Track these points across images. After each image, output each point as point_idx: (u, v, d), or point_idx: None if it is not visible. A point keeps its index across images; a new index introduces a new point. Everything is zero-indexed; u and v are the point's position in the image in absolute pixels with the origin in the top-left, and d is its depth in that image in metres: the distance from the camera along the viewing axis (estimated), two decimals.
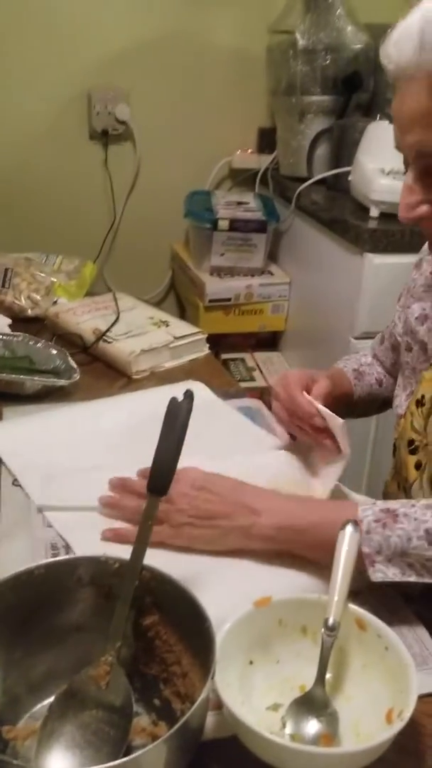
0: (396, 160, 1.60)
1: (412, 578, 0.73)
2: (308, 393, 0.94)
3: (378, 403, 1.15)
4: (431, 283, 0.97)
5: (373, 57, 1.88)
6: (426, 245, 0.90)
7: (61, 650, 0.64)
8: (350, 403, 1.10)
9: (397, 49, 0.73)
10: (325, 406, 0.92)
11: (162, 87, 2.02)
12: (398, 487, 0.97)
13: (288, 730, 0.61)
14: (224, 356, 2.05)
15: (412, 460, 0.92)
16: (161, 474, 0.66)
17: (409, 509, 0.74)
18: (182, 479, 0.81)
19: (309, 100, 1.88)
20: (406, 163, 0.80)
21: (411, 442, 0.93)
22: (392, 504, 0.75)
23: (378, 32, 1.98)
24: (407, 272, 1.08)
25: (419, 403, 0.92)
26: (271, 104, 2.09)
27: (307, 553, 0.78)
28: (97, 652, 0.62)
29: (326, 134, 1.90)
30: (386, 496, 1.02)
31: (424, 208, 0.79)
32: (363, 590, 0.75)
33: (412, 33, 0.71)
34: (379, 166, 1.59)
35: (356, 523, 0.71)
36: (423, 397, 0.91)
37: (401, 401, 0.99)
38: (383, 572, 0.73)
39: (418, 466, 0.92)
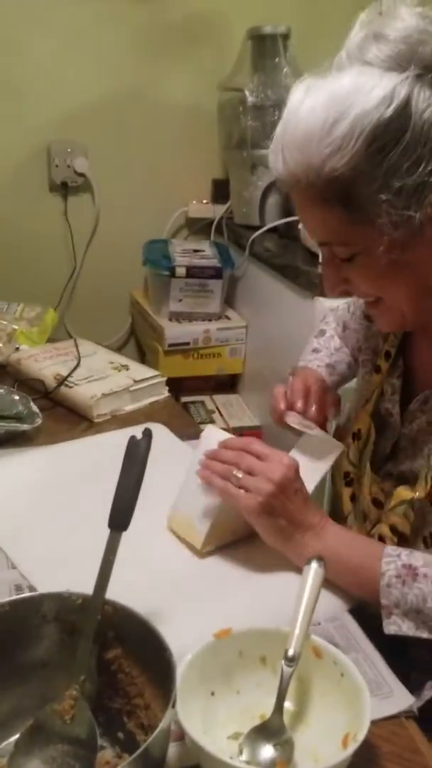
0: None
1: (425, 635, 0.76)
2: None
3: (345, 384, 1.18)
4: (365, 314, 1.03)
5: None
6: None
7: (27, 687, 0.65)
8: None
9: (272, 162, 0.78)
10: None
11: (119, 141, 2.10)
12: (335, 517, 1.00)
13: (244, 756, 0.63)
14: (184, 399, 2.08)
15: (347, 491, 0.96)
16: (122, 510, 0.68)
17: (429, 570, 0.77)
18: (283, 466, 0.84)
19: (259, 153, 1.96)
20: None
21: (347, 474, 0.97)
22: (415, 560, 0.78)
23: None
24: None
25: (355, 436, 0.96)
26: (223, 157, 2.17)
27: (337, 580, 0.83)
28: (62, 688, 0.63)
29: (276, 185, 1.98)
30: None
31: (342, 286, 0.84)
32: (320, 621, 0.78)
33: (277, 144, 0.76)
34: None
35: (320, 559, 0.73)
36: (359, 431, 0.96)
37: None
38: (398, 625, 0.76)
39: (352, 498, 0.96)
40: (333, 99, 0.71)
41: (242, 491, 0.83)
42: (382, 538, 0.86)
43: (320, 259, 0.85)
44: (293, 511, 0.83)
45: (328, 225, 0.77)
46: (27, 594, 0.77)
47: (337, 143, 0.70)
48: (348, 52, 0.74)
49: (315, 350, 1.15)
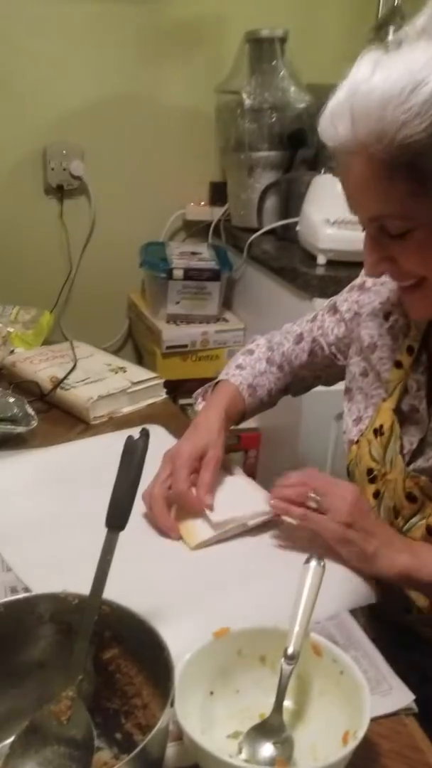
0: (340, 211, 1.69)
1: None
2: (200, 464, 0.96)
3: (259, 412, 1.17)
4: (377, 313, 1.00)
5: (316, 115, 1.99)
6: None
7: (23, 689, 0.65)
8: (240, 420, 1.12)
9: (333, 126, 0.77)
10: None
11: (116, 144, 2.10)
12: None
13: (243, 755, 0.62)
14: (182, 402, 2.07)
15: (370, 488, 0.95)
16: (119, 509, 0.68)
17: None
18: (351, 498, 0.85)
19: (257, 155, 1.97)
20: (363, 225, 0.83)
21: (370, 471, 0.95)
22: None
23: (320, 92, 2.09)
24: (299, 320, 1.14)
25: (377, 432, 0.95)
26: (221, 160, 2.18)
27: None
28: (59, 689, 0.63)
29: (274, 187, 1.98)
30: None
31: (385, 266, 0.83)
32: (320, 618, 0.77)
33: (343, 110, 0.75)
34: (325, 217, 1.67)
35: (320, 558, 0.73)
36: (381, 426, 0.94)
37: (349, 426, 1.01)
38: None
39: (376, 494, 0.95)
40: (408, 69, 0.71)
41: (323, 517, 0.85)
42: (429, 532, 0.88)
43: (364, 238, 0.83)
44: (374, 527, 0.85)
45: (389, 197, 0.76)
46: (22, 595, 0.76)
47: (415, 110, 0.70)
48: (417, 28, 0.76)
49: (239, 366, 1.13)
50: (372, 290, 1.03)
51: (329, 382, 1.18)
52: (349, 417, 1.02)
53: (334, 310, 1.10)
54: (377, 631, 0.82)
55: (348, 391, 1.04)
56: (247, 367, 1.13)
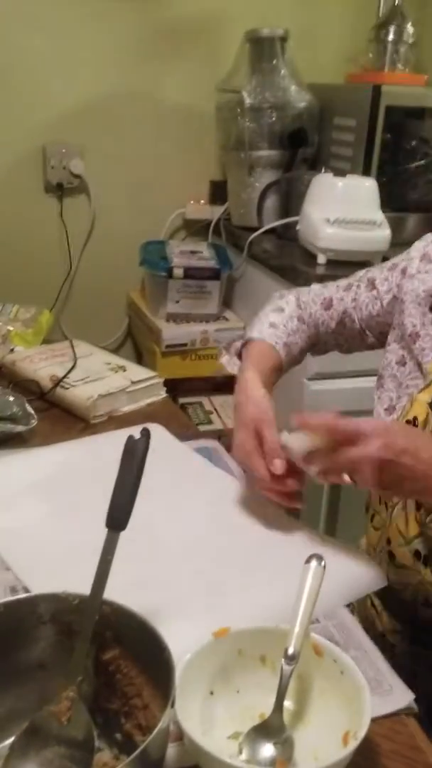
0: (340, 210, 1.70)
1: None
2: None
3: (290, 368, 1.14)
4: (420, 301, 0.97)
5: (316, 114, 1.99)
6: None
7: (23, 689, 0.64)
8: (276, 380, 1.07)
9: None
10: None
11: (116, 142, 2.09)
12: (380, 501, 0.97)
13: (243, 756, 0.62)
14: (182, 400, 2.08)
15: None
16: (120, 509, 0.68)
17: None
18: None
19: (257, 154, 1.97)
20: None
21: None
22: None
23: (320, 92, 2.10)
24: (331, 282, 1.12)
25: (410, 424, 0.91)
26: (221, 158, 2.17)
27: None
28: (59, 689, 0.62)
29: (274, 186, 1.98)
30: (368, 508, 1.02)
31: None
32: (320, 618, 0.77)
33: None
34: (325, 216, 1.67)
35: (320, 558, 0.73)
36: (415, 419, 0.91)
37: (381, 415, 0.98)
38: None
39: None
40: None
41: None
42: None
43: None
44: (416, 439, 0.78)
45: None
46: (22, 595, 0.76)
47: None
48: None
49: (272, 324, 1.09)
50: (416, 277, 0.99)
51: (349, 351, 1.17)
52: (380, 405, 0.99)
53: (371, 285, 1.07)
54: (399, 632, 0.80)
55: (380, 378, 1.01)
56: (280, 325, 1.09)
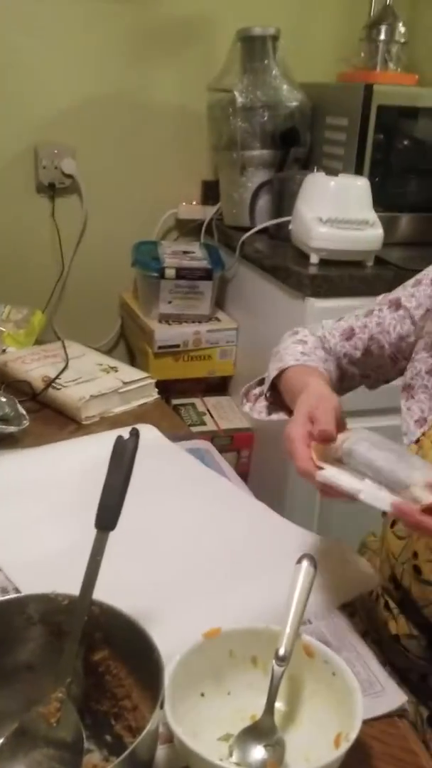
0: (333, 210, 1.69)
1: None
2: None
3: None
4: None
5: (308, 114, 1.99)
6: None
7: (12, 690, 0.64)
8: None
9: None
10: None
11: (108, 142, 2.09)
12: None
13: (234, 758, 0.62)
14: (175, 402, 2.07)
15: None
16: (109, 509, 0.67)
17: None
18: None
19: (249, 154, 1.96)
20: None
21: None
22: None
23: (312, 91, 2.10)
24: (346, 314, 1.08)
25: None
26: (213, 158, 2.17)
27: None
28: (48, 691, 0.62)
29: (267, 186, 1.98)
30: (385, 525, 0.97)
31: None
32: (312, 619, 0.77)
33: None
34: (317, 216, 1.66)
35: (312, 559, 0.72)
36: None
37: (411, 428, 0.93)
38: None
39: None
40: None
41: None
42: None
43: None
44: None
45: None
46: (12, 595, 0.76)
47: None
48: None
49: (304, 353, 1.01)
50: None
51: (376, 382, 1.09)
52: (409, 417, 0.94)
53: (396, 306, 1.01)
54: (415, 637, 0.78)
55: (409, 388, 0.96)
56: (311, 354, 1.01)
